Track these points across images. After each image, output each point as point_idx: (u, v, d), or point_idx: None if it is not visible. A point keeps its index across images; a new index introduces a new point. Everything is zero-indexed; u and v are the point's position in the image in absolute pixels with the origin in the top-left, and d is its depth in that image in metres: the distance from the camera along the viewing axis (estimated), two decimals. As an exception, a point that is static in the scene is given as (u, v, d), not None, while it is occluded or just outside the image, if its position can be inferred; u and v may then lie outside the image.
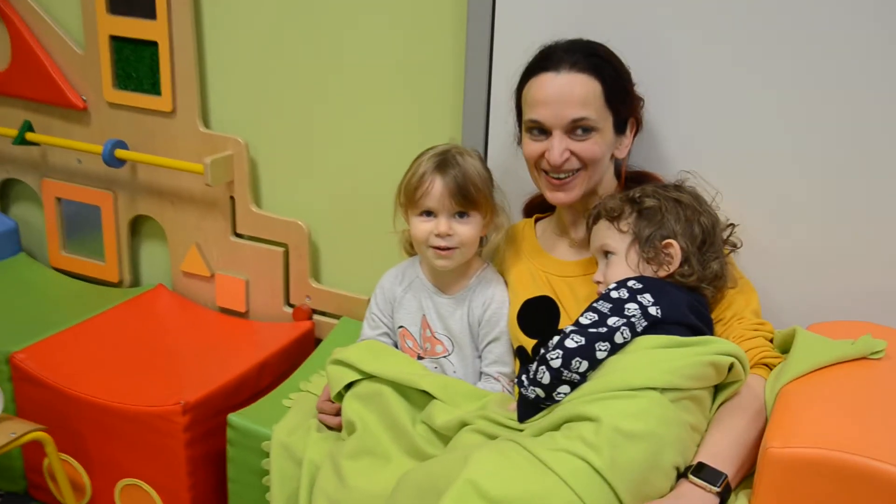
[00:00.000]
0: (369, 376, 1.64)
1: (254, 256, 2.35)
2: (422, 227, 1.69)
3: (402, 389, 1.62)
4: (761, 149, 1.69)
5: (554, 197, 1.68)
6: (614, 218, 1.54)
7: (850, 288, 1.68)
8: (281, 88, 2.24)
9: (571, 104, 1.58)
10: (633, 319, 1.39)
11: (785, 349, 1.53)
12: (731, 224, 1.59)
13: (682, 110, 1.73)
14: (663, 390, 1.32)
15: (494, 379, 1.73)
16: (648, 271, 1.51)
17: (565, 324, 1.63)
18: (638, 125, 1.68)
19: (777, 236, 1.71)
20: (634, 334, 1.38)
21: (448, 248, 1.67)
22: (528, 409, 1.43)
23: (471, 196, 1.66)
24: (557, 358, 1.37)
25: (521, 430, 1.42)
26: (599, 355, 1.37)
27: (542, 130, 1.63)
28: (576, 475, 1.25)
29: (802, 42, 1.62)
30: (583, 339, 1.37)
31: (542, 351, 1.40)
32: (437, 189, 1.65)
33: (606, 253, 1.55)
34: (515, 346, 1.71)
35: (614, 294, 1.43)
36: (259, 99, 2.27)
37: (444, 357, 1.76)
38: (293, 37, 2.18)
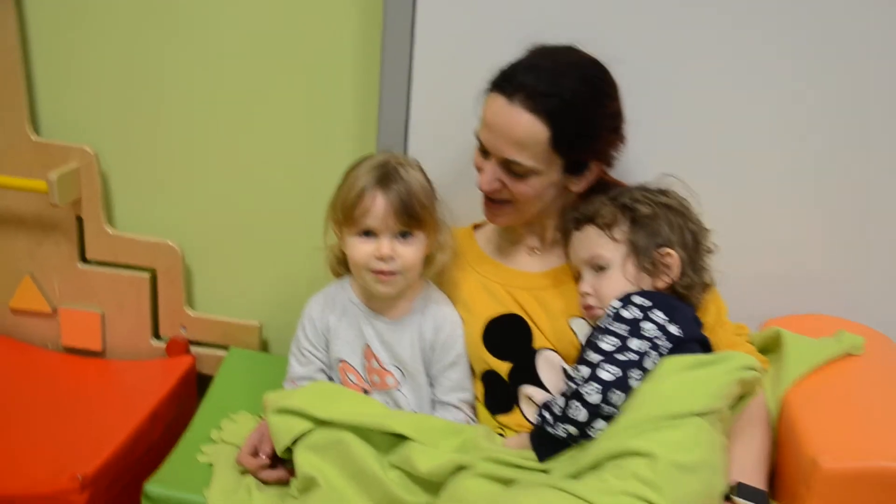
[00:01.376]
0: (322, 423, 1.43)
1: (110, 285, 2.01)
2: (361, 248, 1.49)
3: (364, 434, 1.42)
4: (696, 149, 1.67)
5: (486, 215, 1.56)
6: (607, 226, 1.43)
7: (793, 280, 1.70)
8: (137, 87, 1.91)
9: (509, 142, 1.43)
10: (657, 342, 1.29)
11: (764, 350, 1.51)
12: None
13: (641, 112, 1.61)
14: (703, 414, 1.24)
15: (454, 407, 1.56)
16: (646, 282, 1.41)
17: (541, 343, 1.50)
18: (607, 165, 1.53)
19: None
20: (659, 357, 1.29)
21: (391, 273, 1.49)
22: (551, 447, 1.29)
23: (416, 214, 1.47)
24: (595, 392, 1.24)
25: (546, 472, 1.28)
26: (633, 384, 1.26)
27: (485, 149, 1.49)
28: None
29: (770, 42, 1.60)
30: (617, 368, 1.25)
31: (571, 385, 1.27)
32: (379, 207, 1.46)
33: (597, 264, 1.44)
34: (481, 371, 1.55)
35: (626, 313, 1.32)
36: (108, 99, 1.92)
37: (397, 389, 1.57)
38: (153, 24, 1.86)
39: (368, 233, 1.48)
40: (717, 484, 1.22)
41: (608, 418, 1.25)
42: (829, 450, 1.21)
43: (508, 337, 1.53)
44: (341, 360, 1.58)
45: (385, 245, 1.47)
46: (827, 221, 1.66)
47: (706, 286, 1.44)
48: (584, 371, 1.26)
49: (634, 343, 1.28)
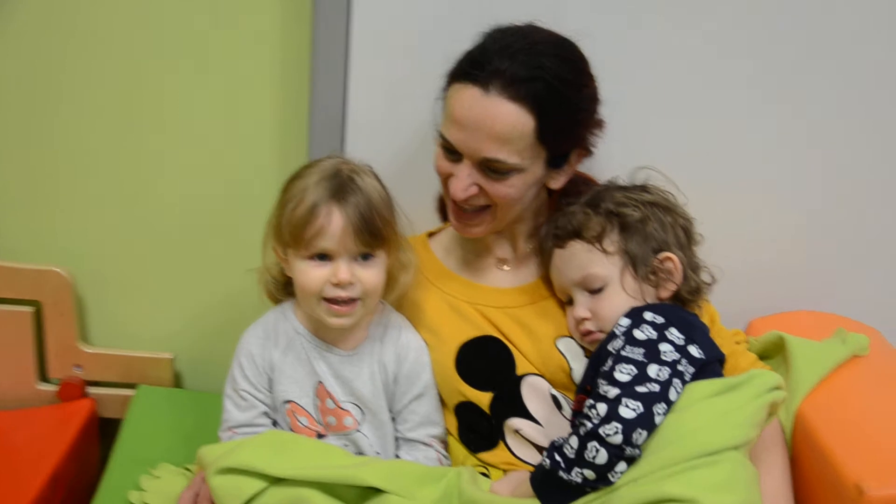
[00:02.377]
0: (277, 480, 1.21)
1: (-16, 322, 1.69)
2: (313, 274, 1.26)
3: (327, 488, 1.20)
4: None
5: (457, 228, 1.37)
6: (595, 239, 1.26)
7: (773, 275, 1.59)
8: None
9: (489, 139, 1.24)
10: (679, 367, 1.13)
11: (763, 357, 1.39)
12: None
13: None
14: (738, 447, 1.10)
15: (424, 445, 1.36)
16: (649, 294, 1.25)
17: (524, 368, 1.31)
18: (587, 153, 1.36)
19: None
20: (682, 385, 1.13)
21: (349, 301, 1.27)
22: (562, 494, 1.12)
23: (378, 232, 1.26)
24: (617, 433, 1.07)
25: None
26: (657, 420, 1.09)
27: (454, 151, 1.29)
28: None
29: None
30: (639, 403, 1.08)
31: (587, 424, 1.09)
32: (336, 226, 1.24)
33: (591, 284, 1.27)
34: (454, 403, 1.35)
35: (639, 334, 1.16)
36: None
37: (356, 430, 1.35)
38: (38, 16, 1.57)
39: (322, 256, 1.26)
40: (762, 525, 1.09)
41: (630, 460, 1.09)
42: (872, 475, 1.10)
43: (487, 363, 1.33)
44: (289, 402, 1.35)
45: (343, 270, 1.25)
46: (806, 214, 1.57)
47: (708, 286, 1.30)
48: (602, 408, 1.09)
49: (654, 370, 1.12)
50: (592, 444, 1.08)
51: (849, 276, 1.59)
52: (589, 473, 1.09)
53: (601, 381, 1.14)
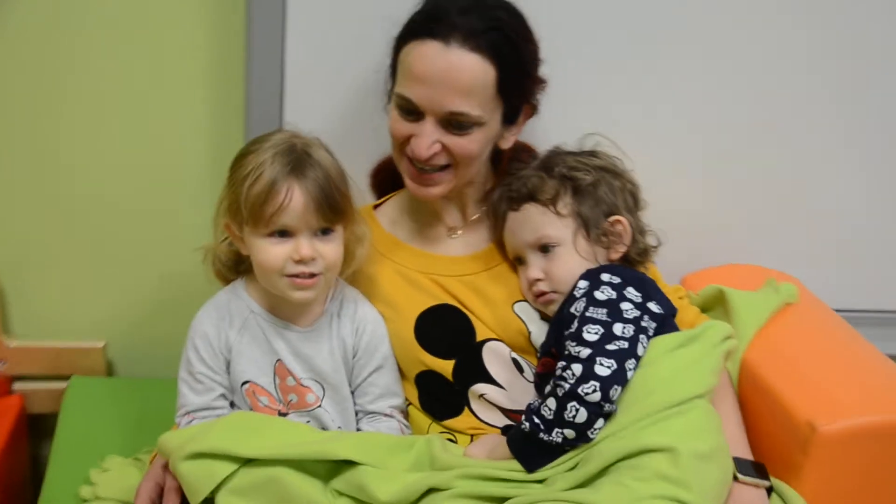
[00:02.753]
0: (247, 462, 1.20)
1: None
2: (274, 251, 1.24)
3: (297, 465, 1.20)
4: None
5: (415, 190, 1.37)
6: (550, 201, 1.29)
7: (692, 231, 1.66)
8: None
9: (454, 92, 1.26)
10: (643, 324, 1.18)
11: (704, 309, 1.46)
12: None
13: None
14: (703, 395, 1.16)
15: (386, 416, 1.37)
16: (601, 256, 1.30)
17: (484, 334, 1.34)
18: (533, 111, 1.40)
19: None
20: (647, 340, 1.18)
21: (311, 275, 1.26)
22: (542, 455, 1.15)
23: (337, 206, 1.26)
24: (594, 391, 1.11)
25: (542, 481, 1.14)
26: (629, 375, 1.14)
27: (413, 111, 1.30)
28: None
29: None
30: (612, 360, 1.12)
31: (564, 385, 1.12)
32: (297, 202, 1.22)
33: (545, 245, 1.30)
34: (415, 373, 1.36)
35: (599, 295, 1.20)
36: None
37: (318, 406, 1.35)
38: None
39: (283, 233, 1.24)
40: (729, 466, 1.15)
41: (608, 415, 1.13)
42: (822, 412, 1.18)
43: (446, 331, 1.35)
44: (247, 382, 1.33)
45: (305, 246, 1.24)
46: (730, 171, 1.65)
47: (655, 249, 1.36)
48: (577, 368, 1.13)
49: (618, 328, 1.16)
50: (572, 405, 1.12)
51: (769, 230, 1.69)
52: (569, 433, 1.13)
53: (570, 343, 1.17)
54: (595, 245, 1.30)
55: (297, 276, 1.25)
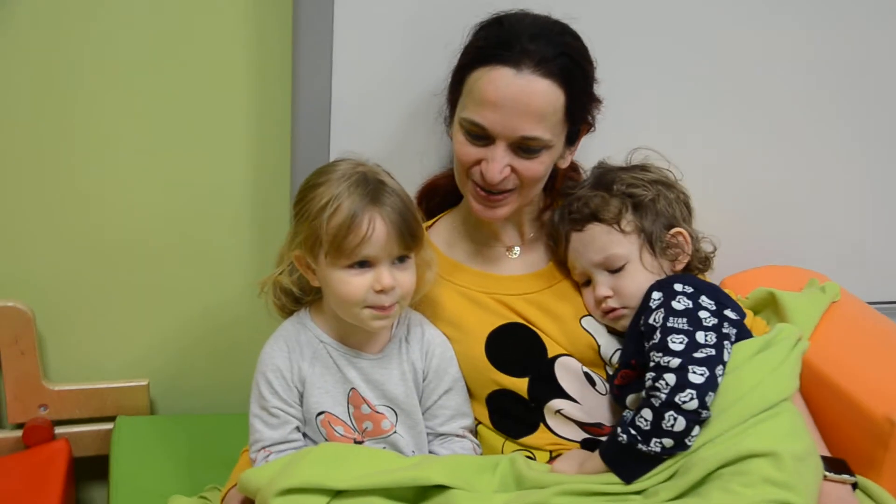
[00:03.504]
0: (338, 493, 1.19)
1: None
2: (355, 283, 1.24)
3: (388, 493, 1.20)
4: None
5: (481, 212, 1.38)
6: (614, 220, 1.32)
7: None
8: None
9: (526, 117, 1.28)
10: (724, 330, 1.21)
11: (755, 311, 1.50)
12: None
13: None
14: (789, 398, 1.20)
15: (458, 437, 1.38)
16: (666, 268, 1.33)
17: (555, 350, 1.35)
18: (589, 129, 1.42)
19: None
20: (730, 346, 1.21)
21: (392, 306, 1.27)
22: (639, 465, 1.17)
23: (415, 233, 1.27)
24: (692, 399, 1.14)
25: (641, 493, 1.16)
26: (720, 381, 1.17)
27: (483, 136, 1.31)
28: None
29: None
30: (704, 368, 1.15)
31: (659, 395, 1.15)
32: (380, 232, 1.22)
33: (613, 263, 1.33)
34: (486, 393, 1.37)
35: (677, 305, 1.23)
36: None
37: (394, 433, 1.35)
38: None
39: (363, 263, 1.24)
40: (820, 465, 1.19)
41: (704, 422, 1.16)
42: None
43: (518, 350, 1.37)
44: (322, 413, 1.32)
45: (386, 276, 1.24)
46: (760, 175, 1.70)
47: (713, 255, 1.40)
48: (671, 378, 1.15)
49: (701, 336, 1.19)
50: (670, 414, 1.14)
51: (792, 230, 1.74)
52: (667, 441, 1.15)
53: (656, 354, 1.20)
54: (660, 258, 1.33)
55: (378, 306, 1.26)
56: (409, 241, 1.25)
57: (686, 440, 1.15)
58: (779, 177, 1.72)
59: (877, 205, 1.77)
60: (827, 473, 1.20)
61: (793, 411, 1.19)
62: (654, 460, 1.17)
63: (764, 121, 1.68)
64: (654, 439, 1.16)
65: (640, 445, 1.16)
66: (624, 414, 1.21)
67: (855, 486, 1.22)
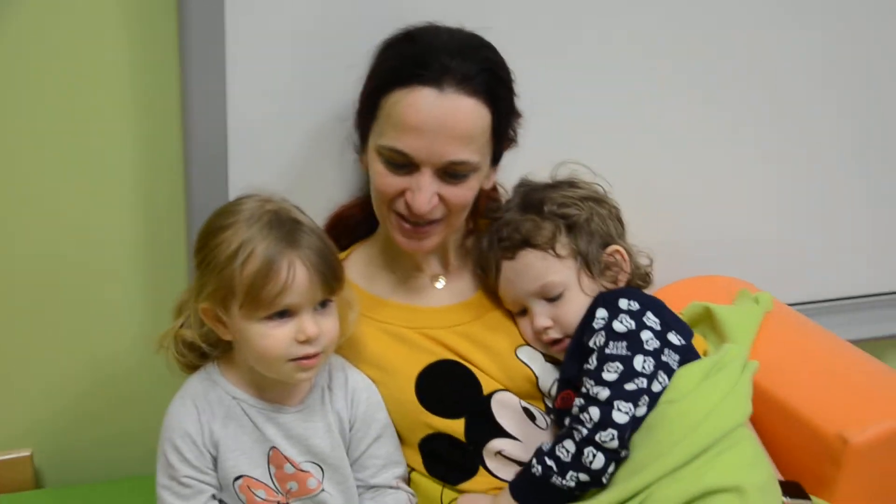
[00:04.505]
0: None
1: None
2: (276, 335, 1.12)
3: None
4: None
5: (406, 245, 1.28)
6: (548, 244, 1.24)
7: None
8: None
9: (453, 141, 1.18)
10: (663, 358, 1.16)
11: (692, 327, 1.43)
12: None
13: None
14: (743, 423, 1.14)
15: (392, 489, 1.26)
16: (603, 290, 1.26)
17: (490, 386, 1.26)
18: (511, 144, 1.33)
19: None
20: (667, 378, 1.15)
21: (316, 355, 1.15)
22: (551, 500, 1.12)
23: (338, 274, 1.16)
24: (613, 439, 1.10)
25: None
26: (642, 414, 1.12)
27: (405, 164, 1.21)
28: None
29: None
30: (629, 404, 1.11)
31: (582, 430, 1.10)
32: (301, 278, 1.10)
33: (550, 291, 1.24)
34: (419, 437, 1.26)
35: (619, 326, 1.16)
36: None
37: (321, 492, 1.22)
38: None
39: (283, 313, 1.12)
40: (779, 492, 1.14)
41: (622, 461, 1.12)
42: (849, 423, 1.19)
43: (451, 388, 1.26)
44: (240, 477, 1.19)
45: (310, 324, 1.12)
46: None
47: (650, 268, 1.33)
48: (594, 413, 1.11)
49: (639, 362, 1.14)
50: (589, 450, 1.10)
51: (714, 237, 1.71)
52: (584, 477, 1.11)
53: (588, 381, 1.14)
54: (599, 280, 1.26)
55: (303, 357, 1.13)
56: (332, 283, 1.14)
57: (602, 478, 1.12)
58: (697, 188, 1.68)
59: (788, 204, 1.76)
60: (784, 499, 1.16)
61: (751, 438, 1.14)
62: (565, 496, 1.12)
63: (685, 131, 1.64)
64: (570, 472, 1.11)
65: (554, 478, 1.11)
66: (541, 445, 1.15)
67: (806, 507, 1.19)
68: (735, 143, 1.69)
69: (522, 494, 1.14)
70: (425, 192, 1.20)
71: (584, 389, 1.15)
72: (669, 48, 1.58)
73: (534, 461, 1.14)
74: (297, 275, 1.10)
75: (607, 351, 1.15)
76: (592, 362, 1.16)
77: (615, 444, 1.10)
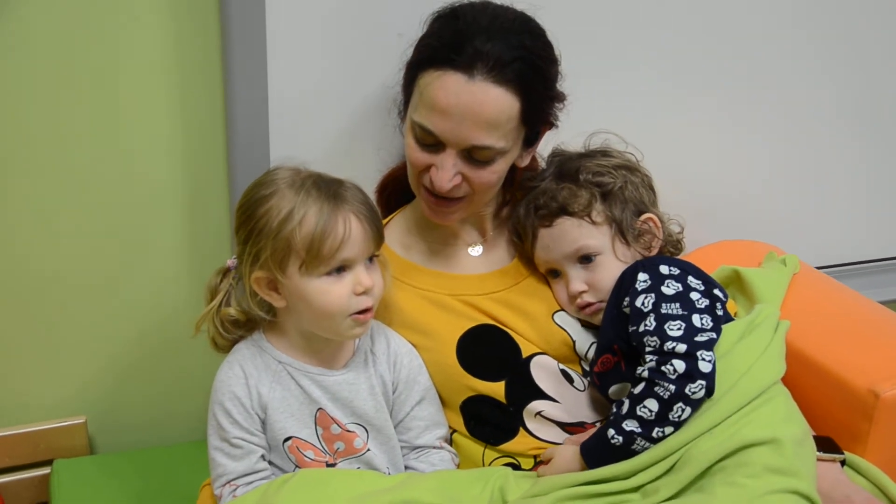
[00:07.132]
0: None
1: None
2: (337, 290, 1.17)
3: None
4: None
5: (433, 217, 1.32)
6: (584, 211, 1.27)
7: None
8: None
9: (477, 126, 1.20)
10: (718, 312, 1.18)
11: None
12: None
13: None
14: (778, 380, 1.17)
15: (435, 449, 1.31)
16: (639, 256, 1.29)
17: (529, 350, 1.29)
18: (551, 127, 1.34)
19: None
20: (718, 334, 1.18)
21: (370, 308, 1.20)
22: (617, 458, 1.14)
23: (381, 229, 1.22)
24: (702, 389, 1.10)
25: (638, 489, 1.12)
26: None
27: (433, 143, 1.24)
28: None
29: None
30: (711, 353, 1.12)
31: (667, 385, 1.10)
32: (357, 231, 1.16)
33: (586, 256, 1.27)
34: (460, 400, 1.30)
35: (667, 290, 1.18)
36: None
37: (366, 451, 1.26)
38: None
39: (341, 268, 1.17)
40: (813, 445, 1.17)
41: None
42: (881, 377, 1.22)
43: (491, 352, 1.30)
44: (290, 438, 1.23)
45: (365, 276, 1.18)
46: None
47: (681, 235, 1.36)
48: (679, 366, 1.10)
49: (698, 320, 1.15)
50: (678, 405, 1.11)
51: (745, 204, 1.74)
52: (669, 430, 1.12)
53: (652, 339, 1.14)
54: (633, 247, 1.29)
55: (361, 311, 1.18)
56: (379, 237, 1.21)
57: (682, 426, 1.12)
58: (723, 153, 1.71)
59: (813, 174, 1.79)
60: (818, 453, 1.19)
61: (786, 394, 1.17)
62: (632, 454, 1.13)
63: (711, 98, 1.67)
64: (656, 429, 1.12)
65: (637, 442, 1.12)
66: (614, 409, 1.16)
67: (843, 462, 1.21)
68: (762, 108, 1.71)
69: (594, 458, 1.15)
70: (447, 172, 1.23)
71: (649, 347, 1.15)
72: (700, 28, 1.61)
73: (611, 431, 1.14)
74: (352, 228, 1.15)
75: (663, 311, 1.17)
76: (649, 322, 1.16)
77: (702, 393, 1.10)
